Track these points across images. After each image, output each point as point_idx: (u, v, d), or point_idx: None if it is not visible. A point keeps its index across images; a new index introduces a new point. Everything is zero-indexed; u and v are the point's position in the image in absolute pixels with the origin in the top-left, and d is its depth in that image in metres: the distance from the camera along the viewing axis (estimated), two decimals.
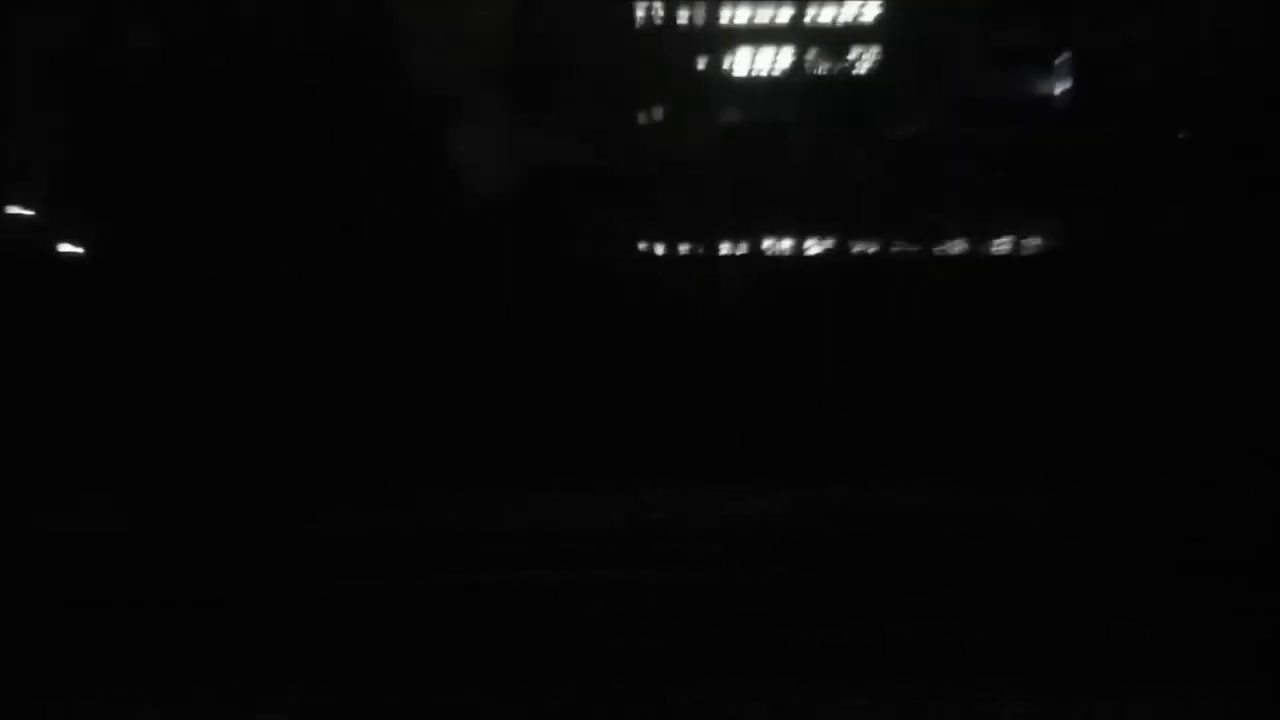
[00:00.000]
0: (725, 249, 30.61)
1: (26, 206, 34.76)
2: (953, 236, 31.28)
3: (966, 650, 10.50)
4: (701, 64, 40.74)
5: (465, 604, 11.93)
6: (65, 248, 29.59)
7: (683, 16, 40.59)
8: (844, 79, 38.10)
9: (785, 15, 43.62)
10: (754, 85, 41.86)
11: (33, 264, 23.16)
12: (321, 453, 19.46)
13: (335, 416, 20.23)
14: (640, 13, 39.55)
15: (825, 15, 43.29)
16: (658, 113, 36.48)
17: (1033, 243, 31.83)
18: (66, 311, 20.88)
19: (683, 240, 31.17)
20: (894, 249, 30.82)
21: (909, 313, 20.92)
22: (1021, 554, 13.73)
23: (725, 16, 43.33)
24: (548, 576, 12.93)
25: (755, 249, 31.37)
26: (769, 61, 43.24)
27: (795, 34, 42.78)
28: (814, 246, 33.27)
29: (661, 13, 39.74)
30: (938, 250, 30.72)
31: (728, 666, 10.22)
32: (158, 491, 18.21)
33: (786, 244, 33.16)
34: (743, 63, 43.13)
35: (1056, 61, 36.37)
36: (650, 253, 29.43)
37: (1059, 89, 36.48)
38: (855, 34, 41.58)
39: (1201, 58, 30.21)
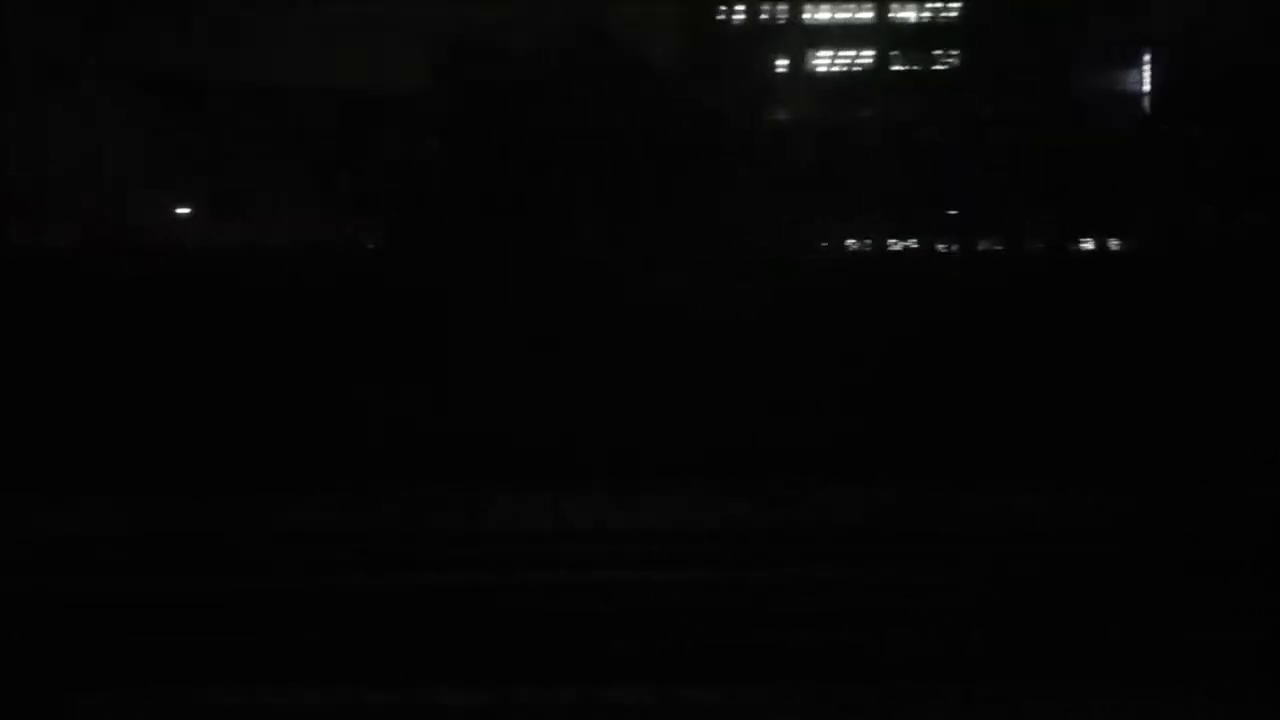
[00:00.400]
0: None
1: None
2: (1033, 234, 31.30)
3: (966, 650, 10.49)
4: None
5: (466, 604, 11.93)
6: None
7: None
8: (924, 77, 38.36)
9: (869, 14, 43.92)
10: (831, 81, 42.16)
11: (32, 264, 23.20)
12: (320, 452, 19.46)
13: (334, 416, 20.21)
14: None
15: (909, 14, 43.49)
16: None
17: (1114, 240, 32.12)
18: (63, 311, 20.86)
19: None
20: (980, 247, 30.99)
21: (909, 312, 20.85)
22: (1021, 554, 13.74)
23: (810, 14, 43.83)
24: (547, 577, 12.94)
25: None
26: (848, 59, 43.61)
27: (880, 32, 43.02)
28: (897, 244, 33.42)
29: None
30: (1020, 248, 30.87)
31: (727, 666, 10.22)
32: (158, 491, 18.21)
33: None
34: (821, 60, 43.57)
35: (1140, 60, 36.24)
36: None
37: (1140, 87, 36.31)
38: (937, 34, 41.75)
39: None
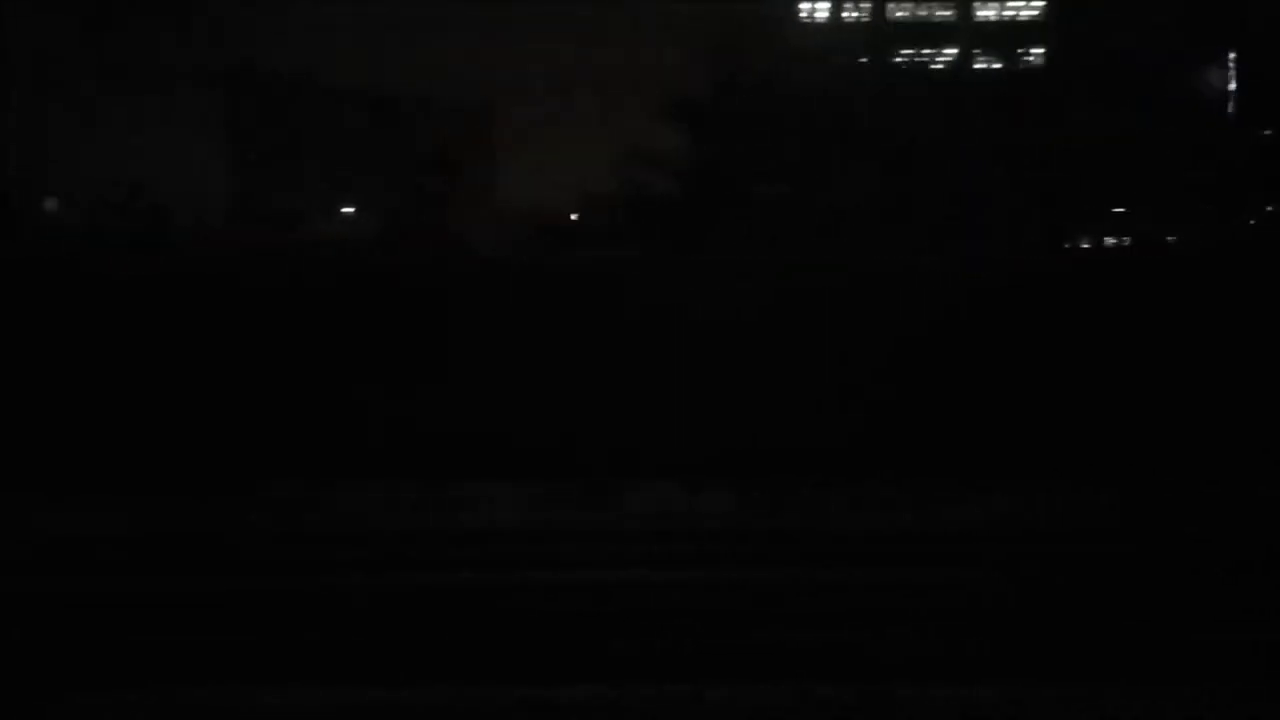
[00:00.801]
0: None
1: None
2: (1126, 233, 31.43)
3: (967, 651, 10.44)
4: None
5: (468, 604, 11.89)
6: None
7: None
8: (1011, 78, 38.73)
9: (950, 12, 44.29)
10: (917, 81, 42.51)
11: (33, 264, 23.21)
12: (319, 451, 19.42)
13: (334, 416, 20.16)
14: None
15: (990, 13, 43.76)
16: None
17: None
18: (64, 313, 20.81)
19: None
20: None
21: (913, 315, 20.68)
22: (1027, 554, 13.71)
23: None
24: (548, 577, 12.89)
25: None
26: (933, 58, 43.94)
27: (962, 31, 43.32)
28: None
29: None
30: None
31: (727, 666, 10.18)
32: (158, 491, 18.16)
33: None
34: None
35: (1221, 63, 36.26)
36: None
37: (1224, 89, 36.25)
38: (1021, 33, 41.99)
39: None
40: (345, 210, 40.10)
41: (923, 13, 45.79)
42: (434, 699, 9.60)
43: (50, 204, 41.77)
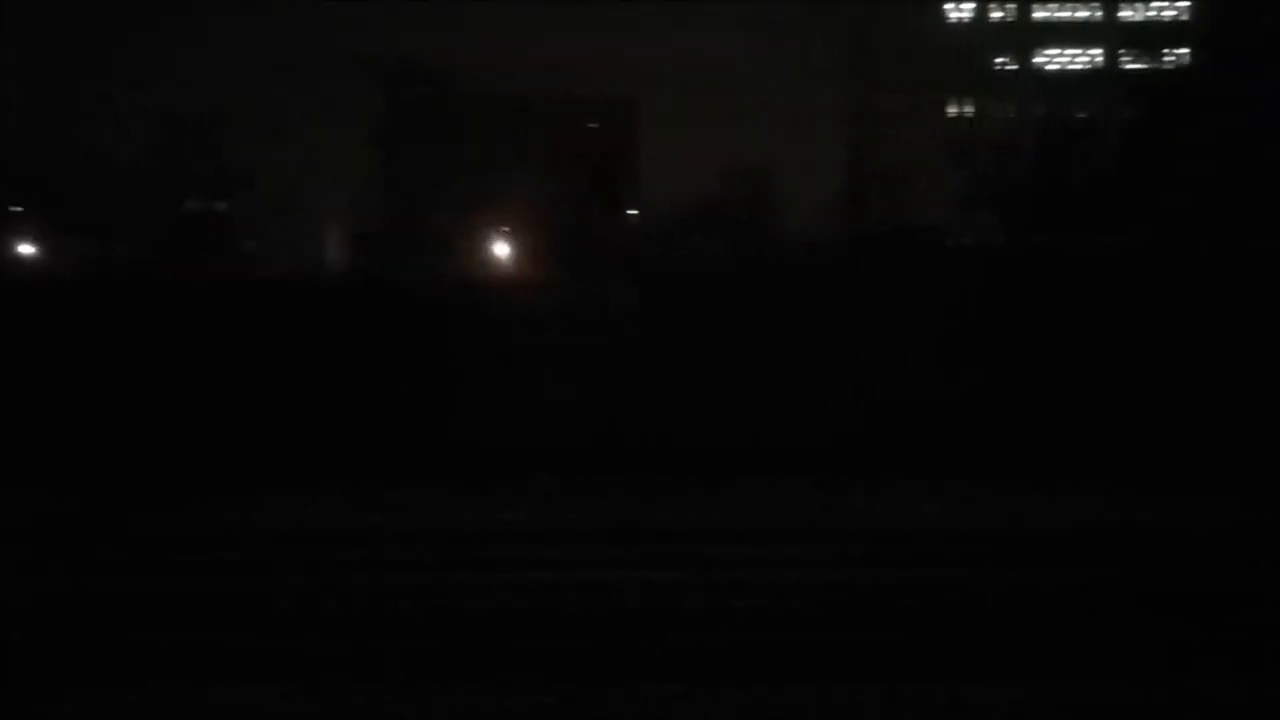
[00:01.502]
0: None
1: None
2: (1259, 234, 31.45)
3: (971, 651, 10.44)
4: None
5: (468, 602, 11.92)
6: None
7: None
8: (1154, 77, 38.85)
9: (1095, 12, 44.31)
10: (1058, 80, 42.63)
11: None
12: (320, 453, 19.50)
13: (338, 416, 20.22)
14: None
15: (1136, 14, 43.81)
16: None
17: None
18: (71, 324, 20.87)
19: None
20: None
21: (921, 310, 20.51)
22: (1035, 553, 13.76)
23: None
24: (547, 577, 12.93)
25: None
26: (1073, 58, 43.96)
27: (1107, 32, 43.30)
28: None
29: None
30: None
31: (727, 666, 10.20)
32: (157, 491, 18.25)
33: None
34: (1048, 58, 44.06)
35: None
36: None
37: None
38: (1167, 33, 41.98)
39: None
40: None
41: (1064, 14, 46.10)
42: (433, 697, 9.59)
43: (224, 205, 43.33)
